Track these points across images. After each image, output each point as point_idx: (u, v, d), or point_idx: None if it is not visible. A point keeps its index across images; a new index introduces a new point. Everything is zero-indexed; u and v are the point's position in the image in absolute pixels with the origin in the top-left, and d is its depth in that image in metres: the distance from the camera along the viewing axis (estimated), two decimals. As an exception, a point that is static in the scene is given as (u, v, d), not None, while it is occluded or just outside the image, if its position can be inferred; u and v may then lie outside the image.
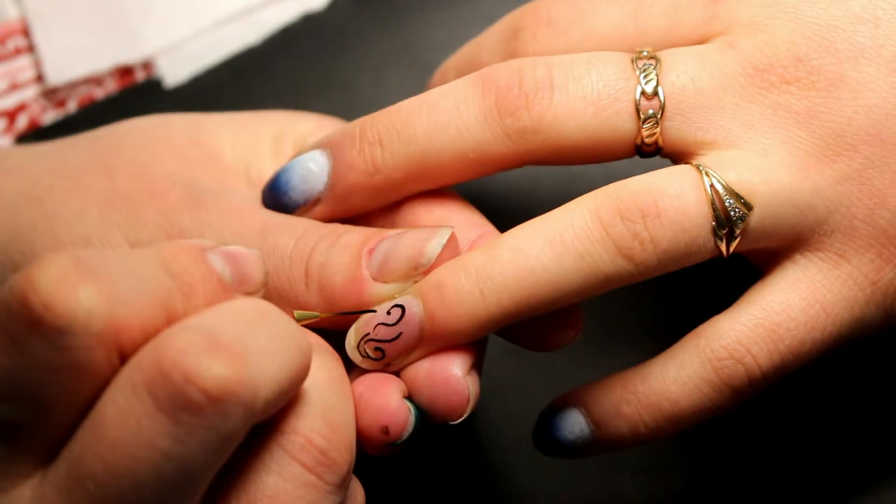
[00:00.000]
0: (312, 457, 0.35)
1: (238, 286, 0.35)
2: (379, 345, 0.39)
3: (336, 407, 0.36)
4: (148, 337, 0.32)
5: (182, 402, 0.31)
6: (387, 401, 0.38)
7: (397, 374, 0.39)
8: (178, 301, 0.33)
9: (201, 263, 0.34)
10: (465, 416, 0.39)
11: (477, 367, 0.40)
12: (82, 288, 0.31)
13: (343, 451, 0.36)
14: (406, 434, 0.38)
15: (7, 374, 0.32)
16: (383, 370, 0.39)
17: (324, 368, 0.37)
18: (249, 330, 0.33)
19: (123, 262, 0.33)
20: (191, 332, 0.32)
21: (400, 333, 0.38)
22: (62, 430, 0.33)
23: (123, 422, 0.31)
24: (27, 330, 0.31)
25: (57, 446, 0.33)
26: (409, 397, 0.39)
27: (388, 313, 0.38)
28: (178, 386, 0.31)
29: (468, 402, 0.38)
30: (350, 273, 0.39)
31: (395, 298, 0.39)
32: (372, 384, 0.39)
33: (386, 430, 0.38)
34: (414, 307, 0.38)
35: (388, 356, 0.39)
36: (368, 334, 0.39)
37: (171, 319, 0.33)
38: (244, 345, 0.32)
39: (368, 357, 0.39)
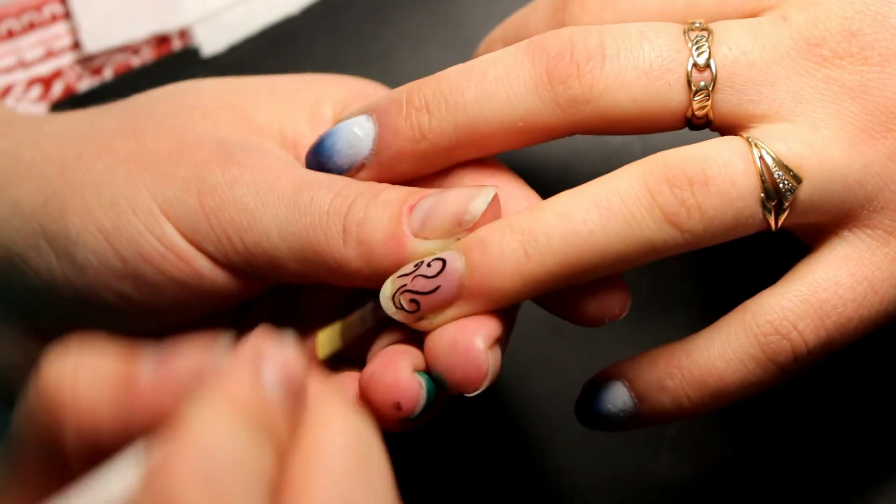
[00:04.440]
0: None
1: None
2: (415, 296, 0.38)
3: None
4: None
5: None
6: (396, 376, 0.38)
7: (418, 347, 0.39)
8: None
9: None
10: (481, 390, 0.38)
11: (501, 342, 0.39)
12: None
13: None
14: (419, 409, 0.38)
15: None
16: (414, 325, 0.38)
17: None
18: None
19: None
20: None
21: (438, 286, 0.38)
22: None
23: None
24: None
25: None
26: (424, 371, 0.38)
27: (429, 265, 0.38)
28: None
29: (486, 376, 0.37)
30: (390, 229, 0.38)
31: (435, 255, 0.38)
32: (383, 361, 0.38)
33: (398, 406, 0.37)
34: (455, 261, 0.38)
35: (423, 309, 0.38)
36: (406, 285, 0.38)
37: None
38: None
39: (402, 309, 0.38)
